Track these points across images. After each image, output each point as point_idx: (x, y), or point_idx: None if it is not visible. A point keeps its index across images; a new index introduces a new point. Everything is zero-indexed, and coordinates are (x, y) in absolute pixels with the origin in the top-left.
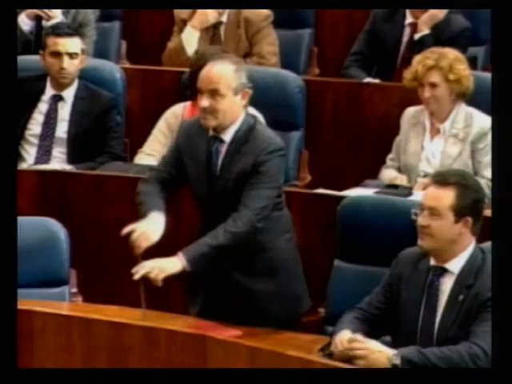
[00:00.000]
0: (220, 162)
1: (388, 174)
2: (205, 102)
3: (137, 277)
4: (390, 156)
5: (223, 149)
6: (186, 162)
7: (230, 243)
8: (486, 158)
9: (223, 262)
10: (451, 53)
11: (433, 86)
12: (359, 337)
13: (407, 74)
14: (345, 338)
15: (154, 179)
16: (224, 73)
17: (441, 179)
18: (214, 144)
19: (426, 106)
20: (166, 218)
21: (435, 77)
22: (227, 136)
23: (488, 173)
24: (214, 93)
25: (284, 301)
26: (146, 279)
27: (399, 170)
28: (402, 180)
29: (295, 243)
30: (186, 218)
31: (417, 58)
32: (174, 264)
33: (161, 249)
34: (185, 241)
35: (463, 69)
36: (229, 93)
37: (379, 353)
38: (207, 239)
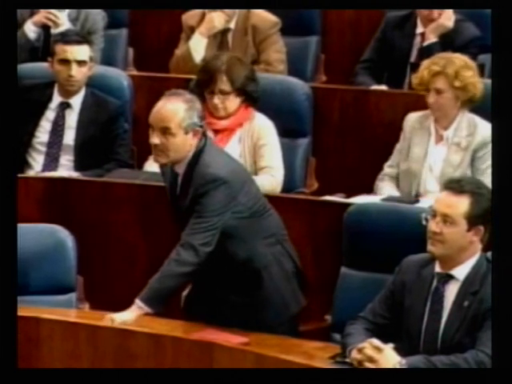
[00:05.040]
0: (179, 185)
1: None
2: (155, 139)
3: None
4: (389, 163)
5: (179, 178)
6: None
7: (187, 271)
8: (484, 165)
9: (210, 282)
10: (459, 59)
11: (438, 91)
12: (379, 343)
13: (414, 79)
14: (374, 344)
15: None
16: (175, 112)
17: (456, 186)
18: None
19: (432, 111)
20: None
21: (440, 83)
22: (181, 169)
23: (485, 179)
24: (165, 131)
25: (273, 308)
26: None
27: (397, 178)
28: None
29: (286, 244)
30: None
31: (425, 63)
32: (129, 312)
33: None
34: None
35: (470, 76)
36: (179, 132)
37: (386, 359)
38: (157, 275)
